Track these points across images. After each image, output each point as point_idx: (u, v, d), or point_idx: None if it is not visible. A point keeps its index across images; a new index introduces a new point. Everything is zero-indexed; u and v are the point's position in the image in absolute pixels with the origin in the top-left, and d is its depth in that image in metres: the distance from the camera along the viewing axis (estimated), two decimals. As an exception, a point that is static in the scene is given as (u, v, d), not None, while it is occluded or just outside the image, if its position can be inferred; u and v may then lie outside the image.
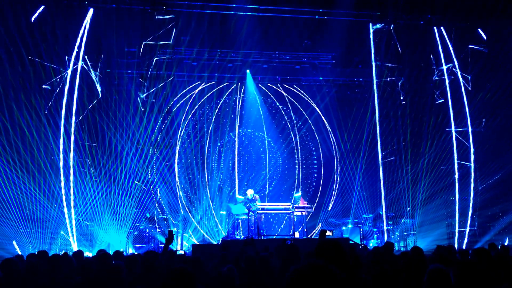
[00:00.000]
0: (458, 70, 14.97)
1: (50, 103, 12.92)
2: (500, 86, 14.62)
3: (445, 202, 15.10)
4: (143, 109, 14.45)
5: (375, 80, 15.06)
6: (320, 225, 16.38)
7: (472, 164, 14.61)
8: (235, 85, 17.46)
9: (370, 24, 15.01)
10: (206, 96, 17.22)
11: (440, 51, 15.13)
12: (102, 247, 10.89)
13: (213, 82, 17.08)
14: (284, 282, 1.92)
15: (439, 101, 15.16)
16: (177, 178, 16.46)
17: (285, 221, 16.48)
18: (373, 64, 15.09)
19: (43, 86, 12.83)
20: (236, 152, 17.53)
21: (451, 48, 15.06)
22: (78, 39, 13.29)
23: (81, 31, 13.31)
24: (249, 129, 18.01)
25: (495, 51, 15.00)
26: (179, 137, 16.80)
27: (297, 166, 18.19)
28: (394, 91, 15.48)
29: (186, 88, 16.91)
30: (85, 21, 13.36)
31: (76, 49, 13.26)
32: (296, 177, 18.08)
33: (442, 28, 15.06)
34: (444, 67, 15.01)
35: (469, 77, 14.86)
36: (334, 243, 3.22)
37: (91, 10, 13.42)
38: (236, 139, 17.70)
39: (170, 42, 14.41)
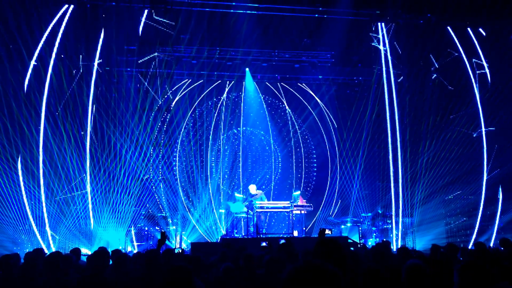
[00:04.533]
0: (468, 65, 15.02)
1: (62, 103, 12.94)
2: (500, 84, 14.69)
3: (444, 201, 15.12)
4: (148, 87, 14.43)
5: (392, 77, 15.00)
6: (314, 221, 16.39)
7: (485, 162, 14.66)
8: (233, 81, 17.44)
9: (383, 24, 14.98)
10: (201, 92, 17.22)
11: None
12: (101, 245, 10.89)
13: (212, 82, 17.11)
14: (281, 281, 1.91)
15: (450, 88, 15.14)
16: (177, 176, 16.47)
17: (281, 220, 16.49)
18: (390, 61, 15.04)
19: (32, 62, 12.71)
20: (218, 150, 17.55)
21: (459, 47, 15.09)
22: (58, 35, 13.14)
23: (60, 29, 13.18)
24: (249, 127, 18.02)
25: (495, 50, 15.01)
26: (179, 135, 16.80)
27: (292, 165, 18.22)
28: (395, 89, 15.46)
29: (186, 86, 16.91)
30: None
31: (55, 44, 13.12)
32: (295, 175, 18.11)
33: (449, 28, 15.09)
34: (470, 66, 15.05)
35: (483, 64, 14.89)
36: (333, 242, 3.20)
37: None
38: (220, 136, 17.71)
39: (170, 41, 14.43)
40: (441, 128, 14.97)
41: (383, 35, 14.95)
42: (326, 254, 3.05)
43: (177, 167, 16.70)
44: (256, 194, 14.10)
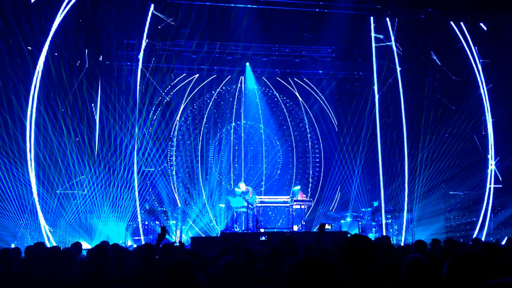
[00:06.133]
0: (471, 58, 14.98)
1: (62, 97, 12.91)
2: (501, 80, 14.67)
3: (444, 196, 15.13)
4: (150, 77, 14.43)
5: (399, 69, 14.94)
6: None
7: (489, 155, 14.65)
8: (229, 76, 17.42)
9: (387, 19, 14.91)
10: (200, 86, 17.20)
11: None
12: (101, 239, 10.89)
13: (214, 76, 17.10)
14: (283, 275, 1.91)
15: (454, 78, 15.13)
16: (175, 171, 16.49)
17: (281, 215, 16.53)
18: (395, 54, 14.98)
19: (28, 48, 12.62)
20: (218, 144, 17.57)
21: (462, 40, 15.05)
22: (50, 27, 13.01)
23: (55, 21, 13.03)
24: (249, 121, 18.01)
25: (496, 45, 14.97)
26: (177, 129, 16.80)
27: (292, 160, 18.23)
28: (394, 85, 15.43)
29: (186, 80, 16.89)
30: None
31: (54, 38, 13.00)
32: (295, 170, 18.13)
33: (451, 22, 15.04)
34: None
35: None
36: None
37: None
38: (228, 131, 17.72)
39: (170, 35, 14.39)
40: (441, 123, 14.94)
41: (387, 29, 14.89)
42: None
43: (173, 161, 16.72)
44: (247, 192, 14.06)
